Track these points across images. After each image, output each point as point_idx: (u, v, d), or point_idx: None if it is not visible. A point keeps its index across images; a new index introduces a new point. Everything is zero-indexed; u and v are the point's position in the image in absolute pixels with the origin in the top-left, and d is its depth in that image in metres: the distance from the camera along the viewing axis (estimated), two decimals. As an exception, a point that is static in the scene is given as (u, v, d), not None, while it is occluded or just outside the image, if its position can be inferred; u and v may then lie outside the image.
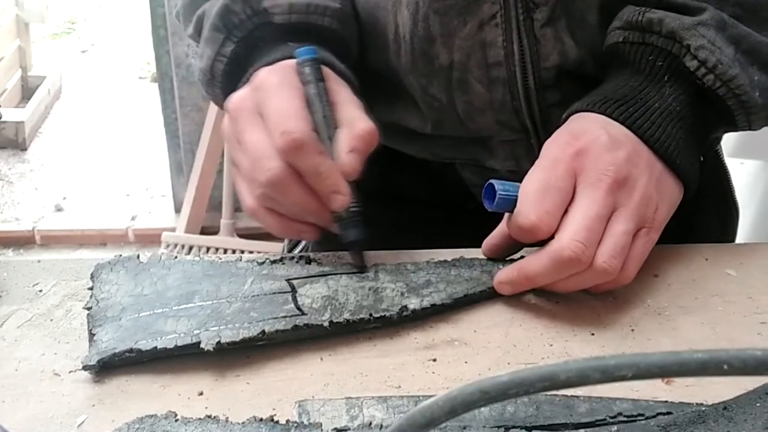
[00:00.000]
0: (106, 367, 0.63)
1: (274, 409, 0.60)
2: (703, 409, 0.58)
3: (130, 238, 3.13)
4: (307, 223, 0.75)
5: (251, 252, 2.71)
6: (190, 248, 2.76)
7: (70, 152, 3.68)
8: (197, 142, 2.84)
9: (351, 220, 0.73)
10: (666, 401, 0.60)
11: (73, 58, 4.71)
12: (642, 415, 0.58)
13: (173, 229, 2.88)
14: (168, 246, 2.77)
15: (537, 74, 0.83)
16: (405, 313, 0.69)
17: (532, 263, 0.70)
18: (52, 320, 0.70)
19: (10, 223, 3.17)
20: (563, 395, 0.59)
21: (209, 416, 0.57)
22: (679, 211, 0.76)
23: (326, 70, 0.76)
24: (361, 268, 0.74)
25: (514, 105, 0.84)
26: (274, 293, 0.70)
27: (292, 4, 0.80)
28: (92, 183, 3.45)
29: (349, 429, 0.57)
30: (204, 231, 2.92)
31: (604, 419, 0.58)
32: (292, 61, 0.76)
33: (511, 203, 0.71)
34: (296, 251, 1.01)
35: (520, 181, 0.72)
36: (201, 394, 0.62)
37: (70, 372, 0.64)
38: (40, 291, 0.73)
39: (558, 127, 0.77)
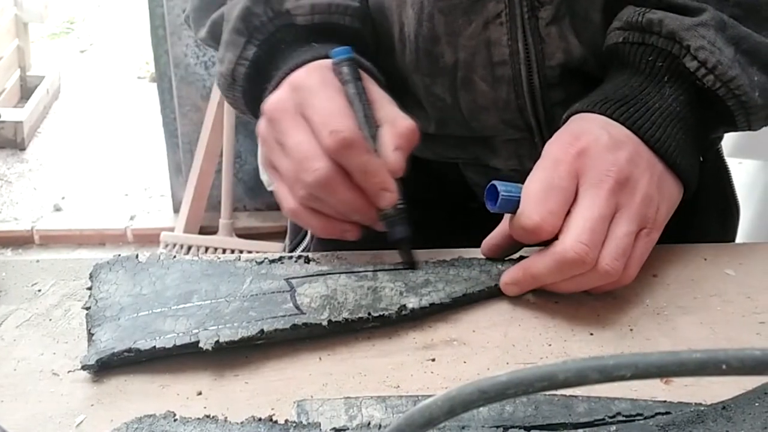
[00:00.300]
0: (105, 367, 0.63)
1: (272, 409, 0.60)
2: (702, 408, 0.58)
3: (128, 237, 3.13)
4: (351, 222, 0.75)
5: (250, 252, 2.70)
6: (189, 248, 2.76)
7: (69, 152, 3.68)
8: (196, 142, 2.84)
9: (397, 217, 0.74)
10: (665, 401, 0.60)
11: (72, 58, 4.71)
12: (641, 414, 0.58)
13: (172, 229, 2.88)
14: (167, 246, 2.77)
15: (542, 73, 0.83)
16: (404, 313, 0.69)
17: (536, 264, 0.71)
18: (50, 320, 0.70)
19: (9, 222, 3.17)
20: (562, 395, 0.59)
21: (208, 416, 0.57)
22: (679, 210, 0.77)
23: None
24: (411, 265, 0.75)
25: (519, 104, 0.85)
26: (273, 292, 0.70)
27: (314, 4, 0.80)
28: (91, 183, 3.45)
29: (348, 429, 0.57)
30: (203, 231, 2.92)
31: (603, 419, 0.58)
32: (327, 61, 0.76)
33: (513, 204, 0.71)
34: (297, 252, 1.01)
35: (523, 181, 0.72)
36: (200, 393, 0.62)
37: (68, 372, 0.64)
38: (39, 291, 0.73)
39: (560, 126, 0.77)
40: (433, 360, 0.66)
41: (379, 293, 0.70)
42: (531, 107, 0.85)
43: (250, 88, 0.82)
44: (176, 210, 3.08)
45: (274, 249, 2.74)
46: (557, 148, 0.72)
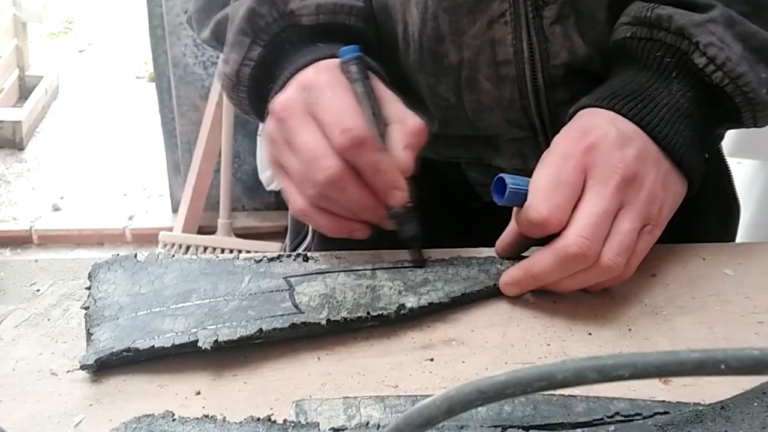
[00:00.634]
0: (104, 367, 0.63)
1: (271, 409, 0.60)
2: (701, 408, 0.58)
3: (127, 237, 3.13)
4: (360, 221, 0.75)
5: (248, 252, 2.70)
6: (188, 248, 2.76)
7: (68, 152, 3.68)
8: (194, 141, 2.84)
9: (407, 215, 0.74)
10: (663, 401, 0.60)
11: (71, 58, 4.71)
12: (639, 414, 0.58)
13: (170, 229, 2.88)
14: (165, 246, 2.77)
15: (546, 72, 0.83)
16: (403, 312, 0.69)
17: (537, 261, 0.71)
18: (49, 320, 0.70)
19: (8, 222, 3.17)
20: (560, 395, 0.59)
21: (206, 416, 0.57)
22: (681, 209, 0.77)
23: None
24: (420, 263, 0.75)
25: (523, 103, 0.85)
26: (272, 291, 0.70)
27: (319, 4, 0.80)
28: (89, 182, 3.45)
29: (347, 429, 0.57)
30: (201, 231, 2.92)
31: (602, 419, 0.58)
32: (335, 60, 0.76)
33: (521, 197, 0.71)
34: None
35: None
36: (198, 393, 0.62)
37: (67, 371, 0.64)
38: (38, 291, 0.73)
39: (566, 124, 0.77)
40: (432, 360, 0.66)
41: (377, 292, 0.71)
42: (535, 106, 0.85)
43: (255, 89, 0.81)
44: (175, 210, 3.08)
45: (272, 249, 2.74)
46: (566, 143, 0.73)
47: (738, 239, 1.06)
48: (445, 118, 0.89)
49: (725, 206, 1.02)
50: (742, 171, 1.88)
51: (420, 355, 0.67)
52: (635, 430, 0.56)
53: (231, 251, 2.72)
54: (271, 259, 0.74)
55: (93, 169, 3.54)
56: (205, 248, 2.77)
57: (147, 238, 3.09)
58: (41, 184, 3.45)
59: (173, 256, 0.75)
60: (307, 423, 0.57)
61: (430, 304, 0.70)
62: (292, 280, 0.71)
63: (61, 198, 3.34)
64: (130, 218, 3.20)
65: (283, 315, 0.67)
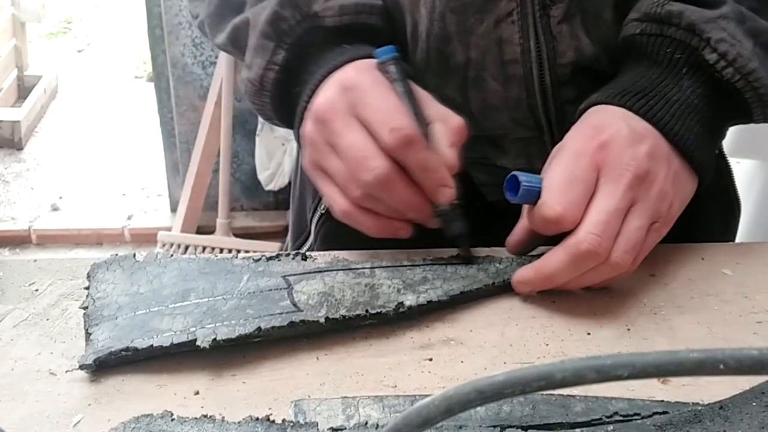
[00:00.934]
0: (103, 367, 0.63)
1: (270, 409, 0.60)
2: (699, 408, 0.58)
3: (126, 237, 3.13)
4: (404, 220, 0.75)
5: (247, 251, 2.70)
6: (186, 248, 2.76)
7: (67, 152, 3.68)
8: (193, 141, 2.84)
9: (454, 213, 0.74)
10: (662, 401, 0.60)
11: (69, 58, 4.70)
12: (638, 414, 0.58)
13: (169, 229, 2.88)
14: (164, 245, 2.77)
15: (553, 71, 0.83)
16: (401, 310, 0.69)
17: (549, 261, 0.71)
18: (48, 320, 0.70)
19: (6, 222, 3.17)
20: (559, 395, 0.59)
21: (205, 416, 0.57)
22: (684, 208, 0.77)
23: None
24: (469, 260, 0.75)
25: (530, 102, 0.85)
26: (270, 290, 0.70)
27: (342, 5, 0.80)
28: (88, 182, 3.45)
29: (345, 428, 0.57)
30: (200, 230, 2.91)
31: (600, 419, 0.58)
32: (372, 61, 0.76)
33: (534, 195, 0.71)
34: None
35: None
36: (197, 393, 0.62)
37: (66, 371, 0.64)
38: (36, 290, 0.73)
39: (573, 123, 0.77)
40: (431, 360, 0.66)
41: (376, 290, 0.70)
42: (542, 105, 0.85)
43: (279, 94, 0.81)
44: (173, 209, 3.08)
45: (271, 249, 2.74)
46: (579, 141, 0.73)
47: (737, 239, 1.06)
48: None
49: (726, 205, 1.02)
50: (740, 171, 1.88)
51: (419, 354, 0.67)
52: (634, 430, 0.56)
53: (229, 251, 2.72)
54: (269, 258, 0.74)
55: (92, 169, 3.54)
56: (204, 248, 2.77)
57: (146, 238, 3.09)
58: (40, 183, 3.45)
59: (172, 255, 0.75)
60: (306, 423, 0.57)
61: (429, 302, 0.70)
62: (290, 278, 0.71)
63: (60, 198, 3.34)
64: (129, 218, 3.19)
65: (281, 313, 0.67)
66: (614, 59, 0.83)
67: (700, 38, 0.76)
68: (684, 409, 0.58)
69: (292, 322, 0.66)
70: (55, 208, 3.27)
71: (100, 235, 3.14)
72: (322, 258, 0.75)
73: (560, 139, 0.83)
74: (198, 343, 0.63)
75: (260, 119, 2.79)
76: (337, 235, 0.94)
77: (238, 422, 0.57)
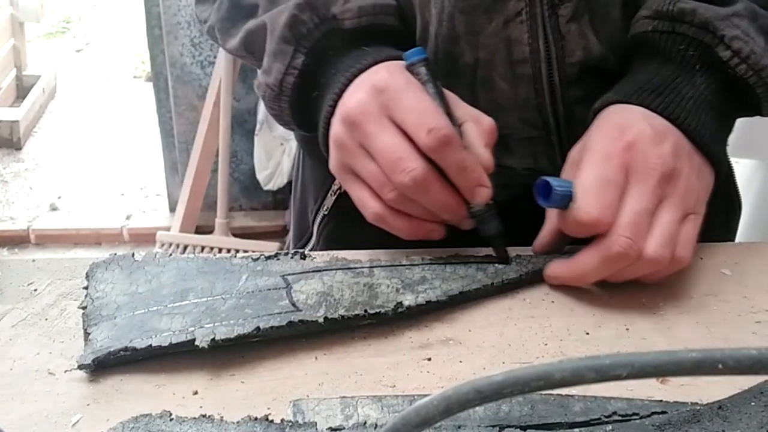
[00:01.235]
0: (102, 366, 0.63)
1: (268, 409, 0.60)
2: (698, 408, 0.58)
3: (124, 237, 3.13)
4: (437, 222, 0.75)
5: (246, 251, 2.70)
6: (185, 247, 2.76)
7: (65, 151, 3.68)
8: (192, 141, 2.84)
9: (489, 213, 0.75)
10: (661, 400, 0.60)
11: (68, 58, 4.71)
12: (637, 414, 0.58)
13: (168, 229, 2.88)
14: (163, 245, 2.77)
15: (561, 70, 0.83)
16: (400, 310, 0.69)
17: (582, 261, 0.72)
18: (46, 319, 0.70)
19: (5, 222, 3.17)
20: (558, 394, 0.59)
21: (204, 416, 0.57)
22: None
23: None
24: (504, 260, 0.76)
25: (538, 102, 0.85)
26: (269, 289, 0.70)
27: (360, 7, 0.80)
28: (87, 182, 3.45)
29: (344, 428, 0.57)
30: (199, 230, 2.92)
31: (599, 418, 0.58)
32: (401, 62, 0.76)
33: (566, 199, 0.71)
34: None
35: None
36: (196, 393, 0.62)
37: (65, 371, 0.64)
38: (35, 290, 0.73)
39: (584, 122, 0.78)
40: (429, 359, 0.66)
41: (375, 290, 0.70)
42: (550, 105, 0.85)
43: (297, 98, 0.81)
44: (172, 209, 3.08)
45: (269, 248, 2.74)
46: (605, 142, 0.73)
47: (736, 238, 1.06)
48: None
49: (728, 205, 1.02)
50: (738, 171, 1.87)
51: (417, 354, 0.67)
52: (633, 429, 0.56)
53: (228, 251, 2.73)
54: (268, 257, 0.74)
55: (90, 169, 3.54)
56: (203, 248, 2.77)
57: (144, 238, 3.09)
58: (39, 183, 3.45)
59: (170, 255, 0.74)
60: (305, 423, 0.57)
61: (428, 302, 0.70)
62: (289, 278, 0.71)
63: (59, 198, 3.34)
64: (128, 218, 3.20)
65: (280, 313, 0.67)
66: (621, 58, 0.84)
67: (713, 35, 0.76)
68: (683, 408, 0.58)
69: (290, 322, 0.66)
70: (53, 208, 3.28)
71: (99, 234, 3.14)
72: (320, 257, 0.75)
73: (567, 138, 0.84)
74: (197, 342, 0.63)
75: (258, 119, 2.79)
76: (340, 236, 0.94)
77: (237, 422, 0.57)
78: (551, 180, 0.72)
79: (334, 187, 0.94)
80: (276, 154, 2.83)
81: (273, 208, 3.13)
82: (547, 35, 0.82)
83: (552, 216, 0.77)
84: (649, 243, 0.70)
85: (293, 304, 0.68)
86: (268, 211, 3.12)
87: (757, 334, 0.69)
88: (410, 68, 0.75)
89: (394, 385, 0.63)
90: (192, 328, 0.64)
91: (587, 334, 0.69)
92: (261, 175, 2.89)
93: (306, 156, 1.03)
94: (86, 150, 3.69)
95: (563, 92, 0.84)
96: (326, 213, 0.96)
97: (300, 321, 0.66)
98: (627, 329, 0.70)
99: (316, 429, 0.56)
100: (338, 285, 0.71)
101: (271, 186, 2.90)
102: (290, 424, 0.56)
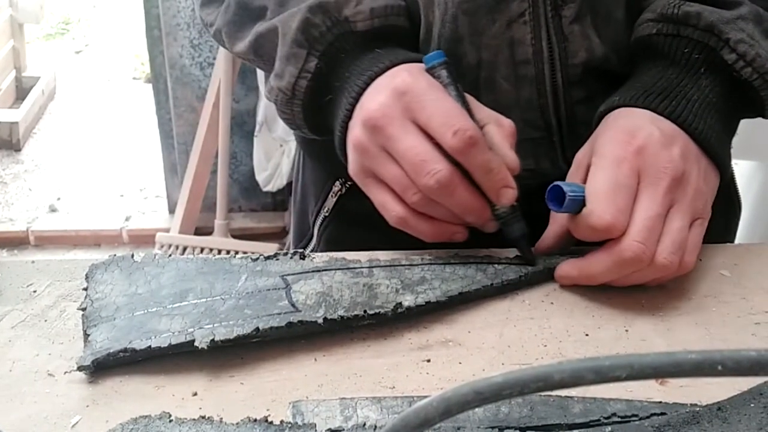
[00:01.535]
0: (101, 367, 0.63)
1: (268, 410, 0.60)
2: (698, 409, 0.58)
3: (124, 238, 3.13)
4: (460, 224, 0.75)
5: (245, 252, 2.70)
6: (184, 249, 2.76)
7: (65, 153, 3.68)
8: (191, 142, 2.84)
9: (513, 215, 0.75)
10: (660, 402, 0.60)
11: (67, 59, 4.71)
12: (636, 415, 0.58)
13: (167, 230, 2.88)
14: (162, 246, 2.77)
15: (564, 71, 0.83)
16: (400, 310, 0.69)
17: (593, 264, 0.72)
18: (46, 321, 0.70)
19: (4, 223, 3.17)
20: (557, 396, 0.59)
21: (203, 417, 0.57)
22: None
23: None
24: (530, 261, 0.76)
25: (541, 103, 0.85)
26: (269, 290, 0.70)
27: (373, 8, 0.79)
28: (86, 183, 3.45)
29: (343, 429, 0.57)
30: (198, 231, 2.92)
31: (598, 420, 0.58)
32: (421, 65, 0.76)
33: (578, 204, 0.72)
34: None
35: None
36: (195, 394, 0.62)
37: (64, 373, 0.64)
38: (34, 291, 0.73)
39: (589, 124, 0.78)
40: (429, 361, 0.66)
41: (374, 290, 0.70)
42: (553, 106, 0.85)
43: (310, 101, 0.81)
44: (171, 211, 3.08)
45: (269, 250, 2.74)
46: (616, 147, 0.73)
47: (736, 239, 1.06)
48: None
49: (727, 205, 1.02)
50: (737, 172, 1.88)
51: (417, 356, 0.67)
52: (632, 431, 0.56)
53: (227, 252, 2.72)
54: (267, 258, 0.74)
55: (90, 170, 3.54)
56: (202, 249, 2.77)
57: (144, 239, 3.09)
58: (38, 185, 3.45)
59: (170, 256, 0.74)
60: (304, 424, 0.57)
61: (427, 302, 0.70)
62: (289, 278, 0.71)
63: (58, 199, 3.34)
64: (127, 219, 3.20)
65: (279, 314, 0.67)
66: (624, 59, 0.84)
67: (718, 39, 0.77)
68: (682, 410, 0.58)
69: (290, 323, 0.66)
70: (53, 210, 3.27)
71: (98, 236, 3.14)
72: (320, 257, 0.75)
73: (569, 139, 0.84)
74: (196, 343, 0.63)
75: (258, 120, 2.80)
76: (341, 238, 0.94)
77: (236, 423, 0.57)
78: (563, 185, 0.71)
79: (335, 189, 0.94)
80: (275, 155, 2.83)
81: (272, 210, 3.13)
82: (550, 36, 0.82)
83: (556, 218, 0.77)
84: (660, 249, 0.70)
85: (292, 305, 0.68)
86: (268, 212, 3.12)
87: (756, 336, 0.69)
88: (431, 71, 0.75)
89: (394, 387, 0.63)
90: (191, 329, 0.64)
91: (586, 335, 0.69)
92: (260, 177, 2.89)
93: (306, 157, 1.03)
94: (86, 151, 3.69)
95: (566, 93, 0.84)
96: (327, 215, 0.96)
97: (299, 322, 0.66)
98: (626, 330, 0.70)
99: (316, 430, 0.56)
100: (337, 285, 0.71)
101: (271, 187, 2.90)
102: (289, 425, 0.56)
